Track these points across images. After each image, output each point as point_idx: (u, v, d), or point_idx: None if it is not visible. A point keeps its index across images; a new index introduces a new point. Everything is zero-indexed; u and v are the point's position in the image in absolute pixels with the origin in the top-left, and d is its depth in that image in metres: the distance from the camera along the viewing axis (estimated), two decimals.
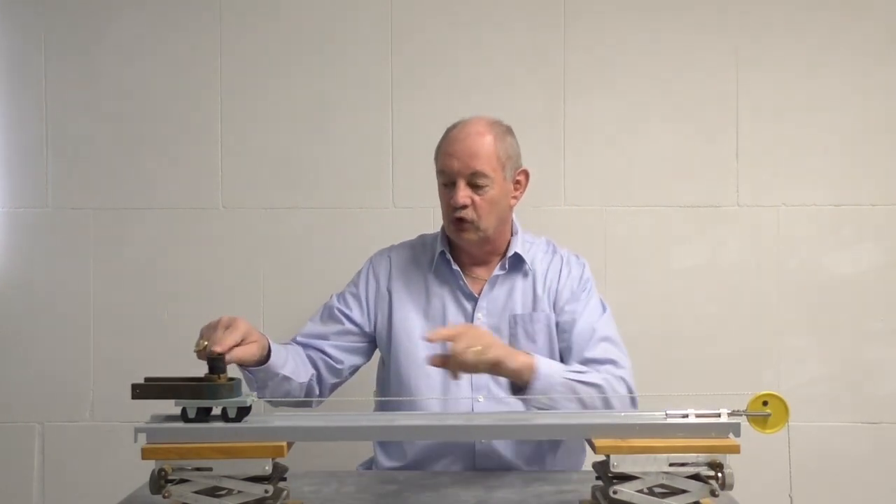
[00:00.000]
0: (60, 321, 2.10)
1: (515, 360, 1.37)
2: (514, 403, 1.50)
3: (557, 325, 1.59)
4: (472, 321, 1.59)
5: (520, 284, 1.62)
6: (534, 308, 1.60)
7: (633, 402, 1.50)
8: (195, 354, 1.18)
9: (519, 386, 1.40)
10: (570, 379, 1.42)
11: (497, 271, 1.62)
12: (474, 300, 1.61)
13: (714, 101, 2.08)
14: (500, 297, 1.61)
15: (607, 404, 1.43)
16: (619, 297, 2.07)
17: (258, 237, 2.10)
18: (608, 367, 1.51)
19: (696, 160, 2.08)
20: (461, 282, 1.61)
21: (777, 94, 2.07)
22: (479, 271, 1.64)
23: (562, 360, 1.57)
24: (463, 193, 1.53)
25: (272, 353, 1.42)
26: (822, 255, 2.07)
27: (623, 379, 1.50)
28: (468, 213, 1.53)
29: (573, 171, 2.09)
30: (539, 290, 1.61)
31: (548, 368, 1.40)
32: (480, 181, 1.53)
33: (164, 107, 2.10)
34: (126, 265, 2.10)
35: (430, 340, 1.34)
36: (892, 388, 2.07)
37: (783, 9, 2.07)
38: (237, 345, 1.27)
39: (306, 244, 2.10)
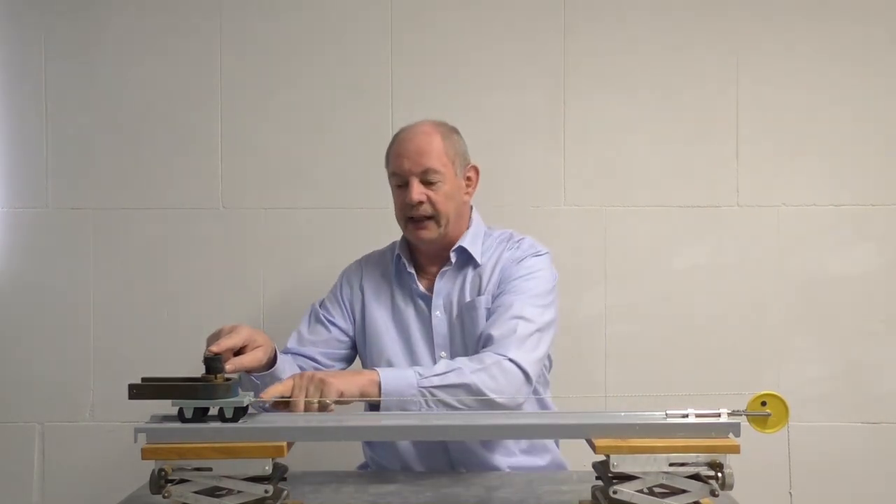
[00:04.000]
0: (60, 321, 2.10)
1: (355, 383, 1.30)
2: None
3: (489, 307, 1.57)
4: (430, 320, 1.60)
5: (469, 275, 1.62)
6: (483, 294, 1.59)
7: (528, 380, 1.43)
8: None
9: (374, 405, 1.36)
10: (425, 387, 1.34)
11: (444, 267, 1.62)
12: (428, 300, 1.61)
13: (714, 101, 2.08)
14: (454, 291, 1.62)
15: (489, 403, 1.36)
16: (619, 297, 2.08)
17: (258, 237, 2.10)
18: (502, 343, 1.44)
19: (696, 160, 2.08)
20: (413, 284, 1.63)
21: (777, 94, 2.07)
22: (436, 270, 1.64)
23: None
24: (417, 190, 1.55)
25: (277, 358, 1.43)
26: (822, 255, 2.07)
27: (513, 361, 1.41)
28: (425, 209, 1.55)
29: (573, 171, 2.09)
30: (485, 277, 1.60)
31: (395, 382, 1.33)
32: (432, 177, 1.55)
33: (164, 107, 2.10)
34: (126, 265, 2.10)
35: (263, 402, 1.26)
36: (892, 388, 2.06)
37: (783, 9, 2.07)
38: (239, 351, 1.27)
39: (306, 244, 2.10)
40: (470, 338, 1.57)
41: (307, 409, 1.23)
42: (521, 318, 1.48)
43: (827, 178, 2.07)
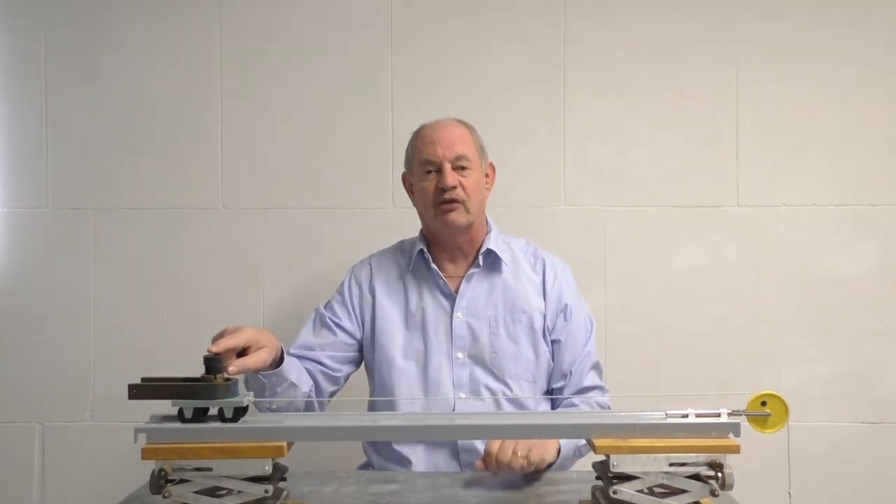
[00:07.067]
0: (60, 321, 2.10)
1: (549, 453, 1.40)
2: (489, 399, 1.58)
3: (551, 338, 1.63)
4: (451, 321, 1.60)
5: (499, 284, 1.63)
6: (514, 309, 1.61)
7: None
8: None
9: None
10: (578, 447, 1.52)
11: (472, 269, 1.63)
12: (453, 299, 1.62)
13: (714, 101, 2.08)
14: (480, 296, 1.62)
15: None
16: (619, 297, 2.08)
17: (258, 237, 2.10)
18: (595, 392, 1.62)
19: (696, 160, 2.08)
20: (440, 280, 1.63)
21: (777, 94, 2.07)
22: (456, 270, 1.65)
23: (551, 375, 1.64)
24: (452, 175, 1.57)
25: (284, 358, 1.43)
26: (822, 255, 2.07)
27: (605, 405, 1.63)
28: (458, 194, 1.56)
29: (573, 171, 2.09)
30: (521, 292, 1.63)
31: (565, 448, 1.47)
32: (464, 163, 1.58)
33: (164, 107, 2.10)
34: (126, 265, 2.10)
35: (479, 468, 1.35)
36: (892, 388, 2.07)
37: (783, 9, 2.07)
38: (242, 353, 1.27)
39: (306, 244, 2.10)
40: (499, 346, 1.59)
41: (513, 461, 1.31)
42: (597, 365, 1.66)
43: (827, 178, 2.08)
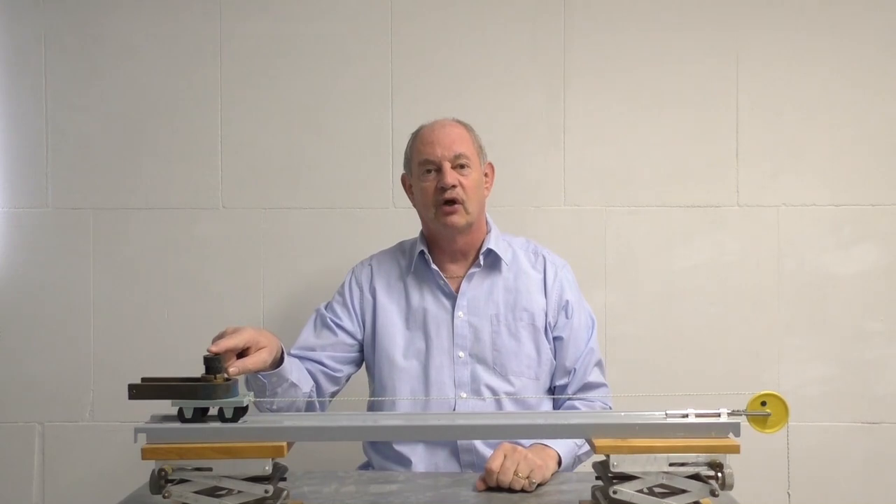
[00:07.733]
0: (60, 321, 2.10)
1: (550, 470, 1.39)
2: (490, 399, 1.58)
3: (553, 335, 1.64)
4: (452, 320, 1.60)
5: (500, 283, 1.63)
6: (515, 307, 1.62)
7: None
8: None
9: None
10: (578, 455, 1.54)
11: (473, 268, 1.64)
12: (454, 298, 1.62)
13: (714, 101, 2.08)
14: (480, 295, 1.62)
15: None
16: (619, 297, 2.08)
17: (258, 237, 2.10)
18: (601, 391, 1.63)
19: (696, 160, 2.08)
20: (440, 280, 1.63)
21: (777, 94, 2.07)
22: (457, 270, 1.66)
23: (554, 373, 1.64)
24: (452, 174, 1.57)
25: (284, 358, 1.43)
26: (822, 255, 2.07)
27: (607, 405, 1.64)
28: (458, 194, 1.57)
29: (573, 171, 2.09)
30: (522, 290, 1.63)
31: (566, 458, 1.48)
32: (464, 162, 1.59)
33: (164, 107, 2.10)
34: (126, 265, 2.10)
35: (480, 489, 1.32)
36: (892, 388, 2.07)
37: (784, 9, 2.07)
38: (242, 353, 1.27)
39: (306, 244, 2.10)
40: (501, 344, 1.59)
41: (514, 483, 1.30)
42: (600, 362, 1.67)
43: (827, 178, 2.08)
